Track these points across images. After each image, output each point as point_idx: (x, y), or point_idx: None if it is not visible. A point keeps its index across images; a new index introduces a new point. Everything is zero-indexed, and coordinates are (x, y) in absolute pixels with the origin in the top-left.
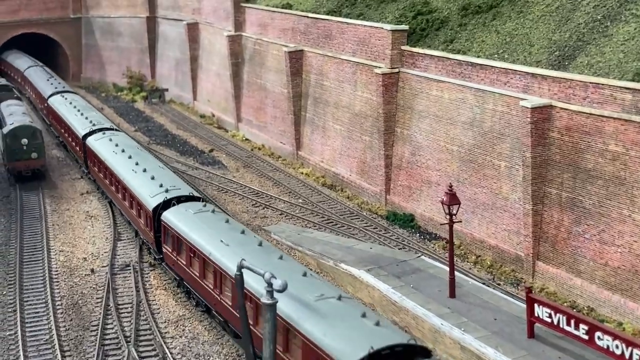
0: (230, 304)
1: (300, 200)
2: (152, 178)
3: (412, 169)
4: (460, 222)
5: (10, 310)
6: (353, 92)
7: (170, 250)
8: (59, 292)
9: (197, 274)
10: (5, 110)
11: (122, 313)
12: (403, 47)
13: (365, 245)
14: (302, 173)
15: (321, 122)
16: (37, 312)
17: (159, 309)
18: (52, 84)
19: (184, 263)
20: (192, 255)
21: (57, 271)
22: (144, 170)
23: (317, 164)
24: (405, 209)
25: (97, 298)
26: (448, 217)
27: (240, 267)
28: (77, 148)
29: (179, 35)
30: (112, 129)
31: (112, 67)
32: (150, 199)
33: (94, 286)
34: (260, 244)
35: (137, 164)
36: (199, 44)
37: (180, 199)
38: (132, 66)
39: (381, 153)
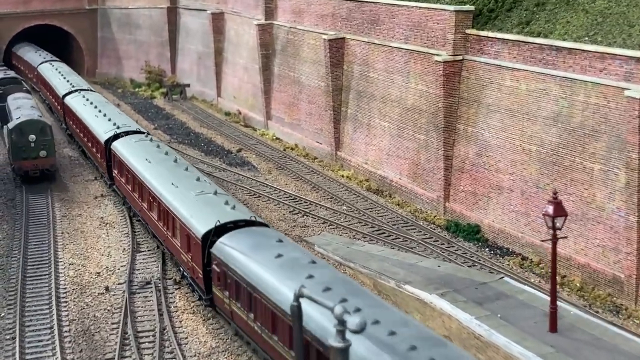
0: (146, 207)
1: (345, 207)
2: (109, 119)
3: (478, 172)
4: (566, 237)
5: (8, 337)
6: (405, 84)
7: (117, 173)
8: (67, 316)
9: (130, 188)
10: (12, 103)
11: (142, 343)
12: (468, 31)
13: (431, 262)
14: (342, 176)
15: (365, 119)
16: (41, 341)
17: (186, 338)
18: (40, 55)
19: (124, 181)
20: (127, 173)
21: (65, 289)
22: (104, 115)
23: (359, 166)
24: (468, 219)
25: (113, 323)
26: (551, 232)
27: (298, 296)
28: (58, 107)
29: (202, 26)
30: (88, 90)
31: (130, 62)
32: (104, 134)
33: (108, 308)
34: (175, 161)
35: (100, 111)
36: (224, 36)
37: (128, 133)
38: (151, 61)
39: (439, 154)
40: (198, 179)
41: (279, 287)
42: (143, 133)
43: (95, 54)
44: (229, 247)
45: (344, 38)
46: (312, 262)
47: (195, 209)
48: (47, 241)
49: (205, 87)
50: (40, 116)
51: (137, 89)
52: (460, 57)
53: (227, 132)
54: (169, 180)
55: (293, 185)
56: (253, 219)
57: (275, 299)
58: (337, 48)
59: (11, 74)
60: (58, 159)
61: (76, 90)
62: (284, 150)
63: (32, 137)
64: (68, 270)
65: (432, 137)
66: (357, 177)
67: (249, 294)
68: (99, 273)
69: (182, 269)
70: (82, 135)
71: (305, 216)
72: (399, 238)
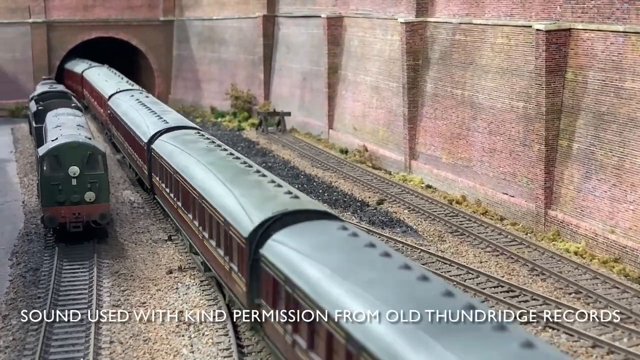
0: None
1: (615, 313)
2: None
3: None
4: None
5: None
6: None
7: (88, 95)
8: None
9: (94, 101)
10: (51, 121)
11: None
12: None
13: None
14: (566, 250)
15: (613, 159)
16: None
17: None
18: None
19: (90, 97)
20: (90, 88)
21: None
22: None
23: (598, 235)
24: None
25: None
26: None
27: None
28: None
29: (311, 38)
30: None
31: (211, 86)
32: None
33: None
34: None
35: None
36: (343, 47)
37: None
38: (238, 84)
39: None
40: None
41: (127, 111)
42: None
43: (168, 76)
44: (117, 99)
45: (569, 29)
46: (147, 96)
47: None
48: (84, 357)
49: (310, 117)
50: (89, 138)
51: (219, 119)
52: None
53: (352, 175)
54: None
55: (493, 264)
56: (140, 89)
57: (118, 110)
58: (556, 46)
59: (59, 87)
60: (113, 205)
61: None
62: (450, 203)
63: (74, 170)
64: None
65: None
66: (593, 252)
67: (117, 121)
68: None
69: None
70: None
71: (548, 330)
72: None
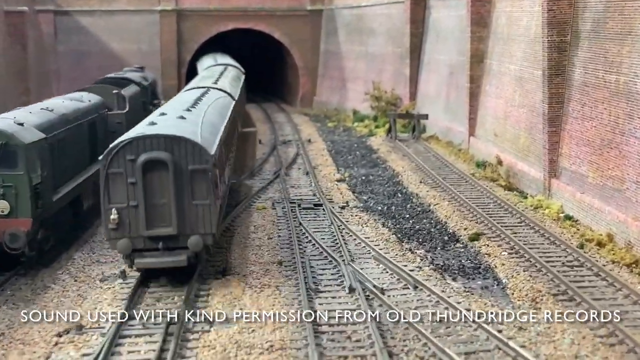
0: None
1: None
2: None
3: None
4: None
5: None
6: None
7: None
8: None
9: None
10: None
11: None
12: None
13: None
14: None
15: None
16: None
17: None
18: None
19: None
20: None
21: None
22: None
23: None
24: None
25: None
26: None
27: None
28: None
29: (459, 20)
30: None
31: (356, 85)
32: None
33: None
34: None
35: None
36: (490, 29)
37: None
38: (384, 82)
39: None
40: None
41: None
42: None
43: (314, 75)
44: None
45: None
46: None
47: None
48: None
49: (453, 121)
50: (20, 124)
51: (356, 124)
52: None
53: (467, 197)
54: None
55: None
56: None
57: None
58: None
59: (125, 74)
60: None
61: None
62: (580, 246)
63: None
64: None
65: None
66: None
67: None
68: None
69: None
70: None
71: None
72: None
